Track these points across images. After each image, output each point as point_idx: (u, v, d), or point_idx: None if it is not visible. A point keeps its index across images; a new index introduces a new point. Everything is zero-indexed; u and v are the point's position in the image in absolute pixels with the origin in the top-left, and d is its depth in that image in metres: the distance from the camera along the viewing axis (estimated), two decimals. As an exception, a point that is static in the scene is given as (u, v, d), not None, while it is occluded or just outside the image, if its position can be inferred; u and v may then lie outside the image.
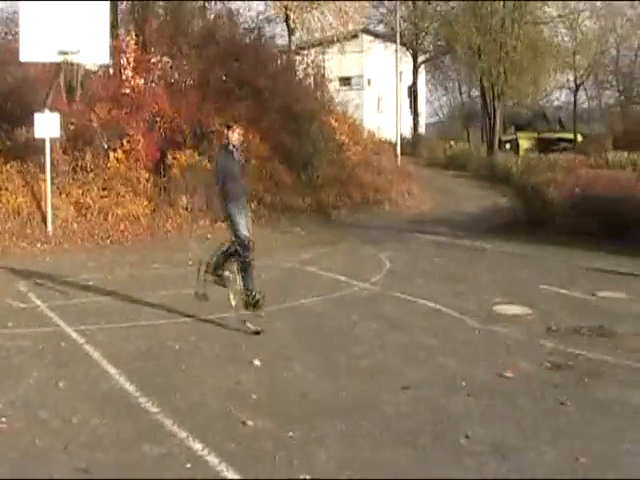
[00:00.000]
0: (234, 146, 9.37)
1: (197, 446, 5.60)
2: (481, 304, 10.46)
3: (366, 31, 40.48)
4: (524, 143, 39.68)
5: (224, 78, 21.61)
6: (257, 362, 7.66)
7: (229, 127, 9.57)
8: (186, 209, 18.06)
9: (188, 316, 9.63)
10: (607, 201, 15.81)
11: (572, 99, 45.71)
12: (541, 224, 16.90)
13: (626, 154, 30.21)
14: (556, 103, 50.00)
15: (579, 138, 40.67)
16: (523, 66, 34.46)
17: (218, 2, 25.79)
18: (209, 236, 15.76)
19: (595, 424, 6.18)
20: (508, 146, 39.23)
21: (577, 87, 45.09)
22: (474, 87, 46.27)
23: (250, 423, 6.05)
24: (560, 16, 36.91)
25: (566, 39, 40.36)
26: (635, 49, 46.22)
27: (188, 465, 5.27)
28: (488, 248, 15.76)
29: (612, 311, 10.19)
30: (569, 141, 40.13)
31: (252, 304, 9.07)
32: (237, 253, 9.12)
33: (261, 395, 6.75)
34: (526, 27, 34.26)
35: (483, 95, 37.53)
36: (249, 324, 8.99)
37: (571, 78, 44.34)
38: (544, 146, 37.74)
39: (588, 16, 41.37)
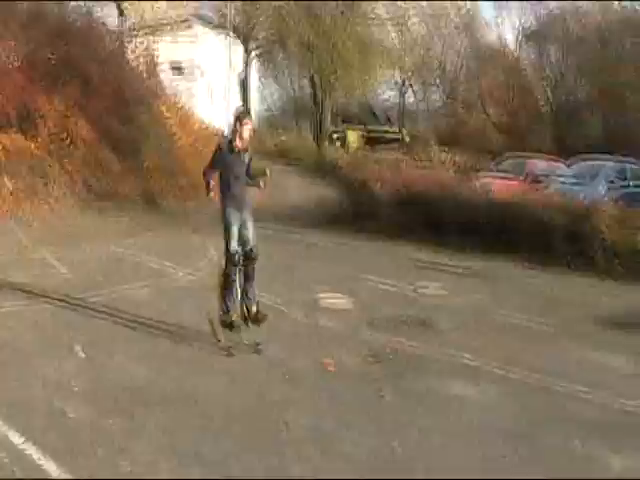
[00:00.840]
0: (244, 148, 8.20)
1: (17, 439, 5.44)
2: (306, 296, 10.62)
3: (200, 20, 40.13)
4: (352, 137, 40.49)
5: (52, 60, 20.84)
6: (81, 352, 7.50)
7: (238, 119, 8.24)
8: (11, 194, 17.30)
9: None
10: (429, 198, 16.40)
11: (399, 97, 47.29)
12: (367, 218, 17.28)
13: (449, 154, 31.41)
14: (386, 102, 51.34)
15: (406, 136, 42.05)
16: (353, 63, 35.15)
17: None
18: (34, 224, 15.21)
19: (413, 414, 6.46)
20: (337, 140, 39.92)
21: (403, 86, 46.66)
22: (305, 80, 46.79)
23: (72, 415, 5.93)
24: (390, 17, 37.96)
25: (395, 40, 41.48)
26: (459, 52, 48.10)
27: (6, 460, 5.11)
28: (314, 241, 16.00)
29: (432, 304, 10.64)
30: (396, 139, 41.41)
31: (227, 325, 8.08)
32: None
33: (84, 385, 6.63)
34: (357, 26, 35.01)
35: (313, 89, 38.07)
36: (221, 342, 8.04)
37: (399, 77, 45.76)
38: (371, 142, 38.68)
39: (417, 20, 42.72)
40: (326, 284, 11.50)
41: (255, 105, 45.04)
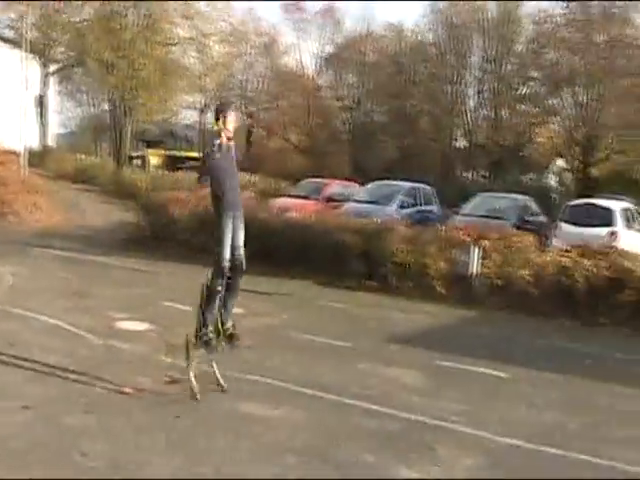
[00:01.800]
0: (228, 138, 7.58)
1: None
2: (104, 320, 10.49)
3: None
4: (153, 159, 40.09)
5: None
6: None
7: (221, 111, 7.66)
8: None
9: None
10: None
11: (200, 119, 47.41)
12: (166, 241, 17.24)
13: (250, 176, 31.83)
14: (187, 123, 51.23)
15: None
16: (153, 84, 34.88)
17: None
18: None
19: (209, 437, 6.52)
20: (137, 162, 39.41)
21: (204, 108, 46.82)
22: (105, 101, 45.94)
23: None
24: (190, 38, 37.94)
25: (195, 61, 41.52)
26: (260, 76, 48.81)
27: None
28: (113, 264, 15.78)
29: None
30: (196, 159, 41.37)
31: (203, 341, 7.61)
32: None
33: None
34: (156, 46, 34.79)
35: (113, 110, 37.45)
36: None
37: (199, 99, 45.85)
38: (172, 163, 38.44)
39: (217, 40, 42.93)
40: (125, 308, 11.40)
41: (54, 125, 43.70)
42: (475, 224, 16.33)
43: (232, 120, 7.67)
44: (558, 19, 38.44)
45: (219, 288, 7.68)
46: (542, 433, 7.23)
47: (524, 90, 41.63)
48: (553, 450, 6.80)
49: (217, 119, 7.66)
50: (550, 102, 39.96)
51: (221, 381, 7.81)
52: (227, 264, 7.62)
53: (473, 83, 43.38)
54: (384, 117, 46.02)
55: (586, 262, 13.59)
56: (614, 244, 15.57)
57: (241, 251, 7.82)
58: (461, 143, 43.64)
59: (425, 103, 42.61)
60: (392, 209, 20.61)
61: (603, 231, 17.61)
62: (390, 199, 21.38)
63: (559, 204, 23.73)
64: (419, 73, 44.45)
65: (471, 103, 42.95)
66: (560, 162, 40.75)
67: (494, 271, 14.10)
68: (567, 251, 14.41)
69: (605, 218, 18.74)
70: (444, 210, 23.05)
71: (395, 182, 23.50)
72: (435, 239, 14.98)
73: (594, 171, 36.81)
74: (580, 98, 37.91)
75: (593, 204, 20.27)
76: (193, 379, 7.52)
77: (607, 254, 13.94)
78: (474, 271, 14.12)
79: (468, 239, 14.59)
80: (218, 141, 7.56)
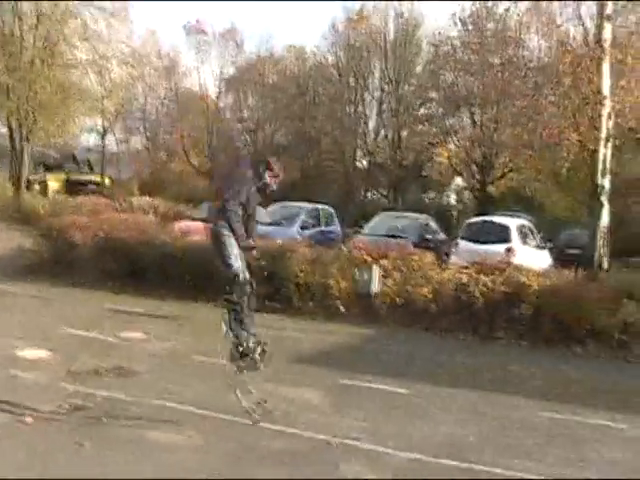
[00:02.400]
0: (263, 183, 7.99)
1: None
2: (2, 348, 10.29)
3: None
4: (53, 184, 39.36)
5: None
6: None
7: (267, 164, 8.09)
8: None
9: None
10: (129, 245, 16.43)
11: (101, 142, 46.76)
12: (67, 267, 16.98)
13: (150, 199, 31.51)
14: (86, 145, 50.42)
15: (107, 181, 41.69)
16: (52, 107, 34.27)
17: None
18: None
19: (112, 463, 6.50)
20: (37, 186, 38.61)
21: (105, 131, 46.27)
22: (3, 125, 44.92)
23: None
24: (90, 60, 37.46)
25: (95, 84, 41.00)
26: (161, 98, 48.47)
27: None
28: (13, 291, 15.46)
29: (131, 351, 10.70)
30: (97, 184, 40.84)
31: (240, 355, 7.66)
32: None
33: None
34: (55, 68, 34.24)
35: (11, 134, 36.63)
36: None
37: (100, 122, 45.27)
38: (73, 188, 37.80)
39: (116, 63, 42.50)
40: (24, 335, 11.20)
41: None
42: (376, 243, 16.62)
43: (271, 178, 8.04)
44: (455, 41, 39.36)
45: (244, 299, 7.76)
46: (441, 446, 7.45)
47: (423, 110, 42.43)
48: (452, 462, 7.01)
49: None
50: (448, 122, 40.80)
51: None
52: (243, 275, 7.71)
53: (373, 104, 44.00)
54: (286, 138, 46.26)
55: (484, 278, 14.00)
56: (511, 260, 16.04)
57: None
58: (362, 163, 44.18)
59: (326, 124, 43.02)
60: (294, 230, 20.78)
61: (500, 247, 18.15)
62: (292, 220, 21.55)
63: (458, 222, 24.34)
64: (320, 94, 44.88)
65: (372, 124, 43.54)
66: (459, 181, 41.66)
67: (395, 289, 14.38)
68: (465, 268, 14.81)
69: (502, 235, 19.35)
70: (345, 230, 23.39)
71: (296, 203, 23.68)
72: (337, 259, 15.19)
73: (491, 189, 37.75)
74: (477, 118, 38.90)
75: (490, 221, 20.91)
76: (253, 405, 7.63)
77: (504, 270, 14.39)
78: (375, 290, 14.37)
79: (369, 258, 14.84)
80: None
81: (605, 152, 19.49)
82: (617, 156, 24.18)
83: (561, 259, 20.09)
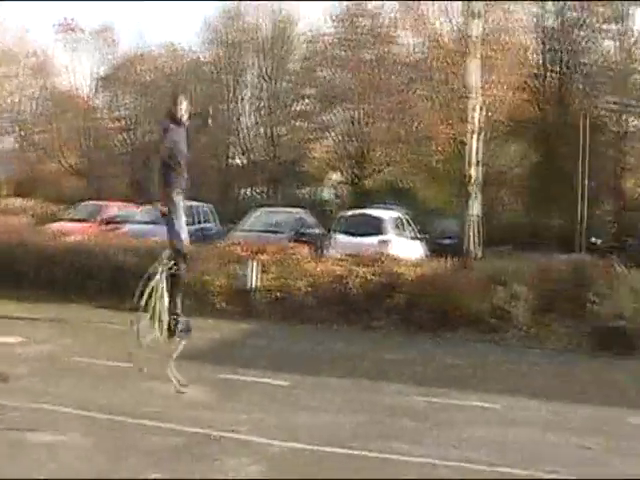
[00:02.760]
0: (181, 120, 7.77)
1: None
2: None
3: None
4: None
5: None
6: None
7: (176, 95, 8.07)
8: None
9: None
10: (2, 247, 15.94)
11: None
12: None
13: (23, 200, 30.72)
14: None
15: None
16: None
17: None
18: None
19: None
20: None
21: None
22: None
23: None
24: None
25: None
26: (35, 98, 46.95)
27: None
28: None
29: (10, 356, 10.40)
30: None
31: (184, 327, 7.70)
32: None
33: None
34: None
35: None
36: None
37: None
38: None
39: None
40: None
41: None
42: (253, 239, 16.68)
43: (185, 106, 8.03)
44: (329, 38, 39.76)
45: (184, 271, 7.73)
46: (322, 434, 7.55)
47: (299, 107, 42.65)
48: (332, 449, 7.11)
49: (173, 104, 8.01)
50: (324, 118, 41.20)
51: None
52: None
53: (249, 101, 43.94)
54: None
55: (359, 269, 14.25)
56: (385, 251, 16.36)
57: None
58: (239, 160, 44.05)
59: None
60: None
61: (375, 239, 18.47)
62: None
63: (335, 216, 24.64)
64: (195, 92, 44.46)
65: (248, 121, 43.46)
66: (335, 175, 42.16)
67: (273, 284, 14.47)
68: (341, 260, 15.03)
69: (377, 227, 19.70)
70: (223, 227, 23.33)
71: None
72: (214, 256, 15.17)
73: (367, 183, 38.37)
74: (352, 114, 39.40)
75: (365, 214, 21.25)
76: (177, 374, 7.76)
77: (379, 261, 14.68)
78: (253, 285, 14.42)
79: (246, 254, 14.88)
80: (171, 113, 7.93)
81: (474, 144, 20.11)
82: (488, 148, 25.08)
83: (436, 249, 20.56)
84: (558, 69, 35.67)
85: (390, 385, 9.78)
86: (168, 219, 7.93)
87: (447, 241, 23.07)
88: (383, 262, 14.60)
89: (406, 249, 18.15)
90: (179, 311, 7.93)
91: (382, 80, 36.57)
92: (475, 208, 19.69)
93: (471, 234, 19.68)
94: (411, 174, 36.93)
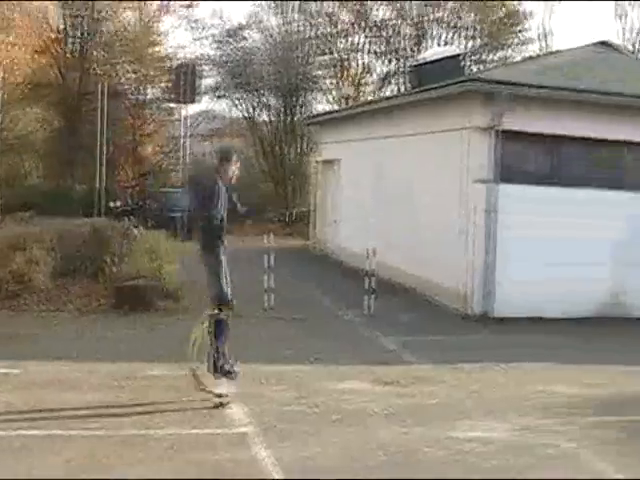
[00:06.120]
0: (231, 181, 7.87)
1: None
2: None
3: None
4: None
5: None
6: None
7: (226, 159, 7.91)
8: None
9: None
10: None
11: None
12: None
13: None
14: None
15: None
16: None
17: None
18: None
19: None
20: None
21: None
22: None
23: None
24: None
25: None
26: None
27: None
28: None
29: None
30: None
31: (226, 373, 7.75)
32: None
33: None
34: None
35: None
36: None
37: None
38: None
39: None
40: None
41: None
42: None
43: (232, 173, 7.95)
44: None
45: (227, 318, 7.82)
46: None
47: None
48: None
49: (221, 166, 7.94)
50: None
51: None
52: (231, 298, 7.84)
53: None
54: None
55: None
56: None
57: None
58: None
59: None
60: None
61: None
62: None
63: None
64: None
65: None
66: None
67: None
68: None
69: None
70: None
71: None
72: None
73: None
74: None
75: None
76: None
77: None
78: None
79: None
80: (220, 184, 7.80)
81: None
82: (7, 113, 24.38)
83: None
84: (79, 34, 35.44)
85: None
86: (211, 274, 7.86)
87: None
88: None
89: None
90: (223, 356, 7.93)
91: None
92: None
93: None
94: None
